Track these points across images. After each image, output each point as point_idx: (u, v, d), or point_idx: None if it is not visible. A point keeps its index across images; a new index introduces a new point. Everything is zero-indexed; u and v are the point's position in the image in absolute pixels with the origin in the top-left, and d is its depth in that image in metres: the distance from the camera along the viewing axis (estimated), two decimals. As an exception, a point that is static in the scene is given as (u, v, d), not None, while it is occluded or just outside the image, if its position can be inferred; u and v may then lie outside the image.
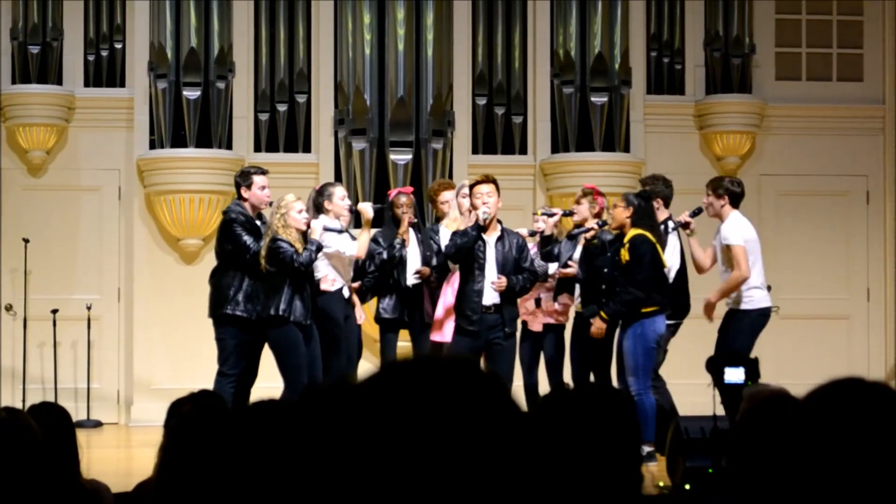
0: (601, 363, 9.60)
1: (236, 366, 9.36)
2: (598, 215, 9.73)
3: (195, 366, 11.36)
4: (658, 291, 9.14)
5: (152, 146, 12.21)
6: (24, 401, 11.49)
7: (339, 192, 9.69)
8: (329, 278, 9.44)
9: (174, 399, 4.54)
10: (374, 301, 10.09)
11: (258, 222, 9.51)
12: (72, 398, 11.92)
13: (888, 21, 13.39)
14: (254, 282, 9.34)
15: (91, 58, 12.50)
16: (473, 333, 9.10)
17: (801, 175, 13.20)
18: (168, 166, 12.10)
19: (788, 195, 13.16)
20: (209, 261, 10.25)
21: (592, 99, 12.48)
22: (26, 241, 12.01)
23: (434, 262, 9.75)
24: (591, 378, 9.63)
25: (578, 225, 9.81)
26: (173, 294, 12.16)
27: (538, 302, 9.85)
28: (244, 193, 9.56)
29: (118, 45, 12.49)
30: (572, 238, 9.89)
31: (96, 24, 12.47)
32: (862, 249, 13.30)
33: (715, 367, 6.98)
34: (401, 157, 12.11)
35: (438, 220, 10.14)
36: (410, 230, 9.92)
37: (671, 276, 9.66)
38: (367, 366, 10.71)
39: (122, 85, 12.47)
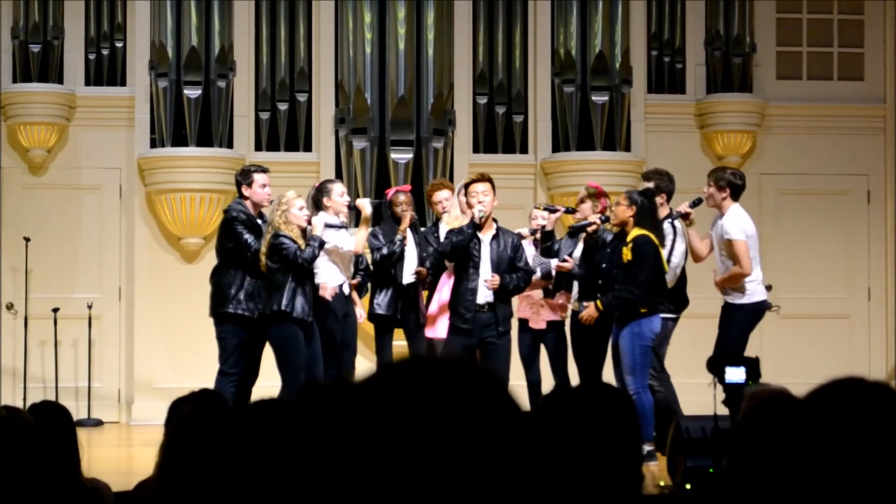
0: (594, 361, 9.62)
1: (237, 365, 9.36)
2: (601, 213, 9.74)
3: (196, 365, 11.36)
4: (657, 293, 9.15)
5: (153, 145, 12.21)
6: (24, 399, 11.49)
7: (338, 188, 9.70)
8: (329, 287, 9.42)
9: (175, 398, 4.54)
10: (366, 300, 10.12)
11: (259, 221, 9.51)
12: (72, 397, 11.92)
13: (889, 20, 13.38)
14: (255, 280, 9.34)
15: (92, 56, 12.50)
16: (467, 332, 9.12)
17: (802, 174, 13.20)
18: (169, 165, 12.10)
19: (789, 194, 13.16)
20: (210, 260, 10.25)
21: (593, 98, 12.48)
22: (27, 239, 12.01)
23: (427, 263, 9.78)
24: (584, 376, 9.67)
25: (577, 223, 9.82)
26: (174, 293, 12.17)
27: (547, 292, 9.84)
28: (245, 192, 9.56)
29: (119, 44, 12.49)
30: (573, 235, 9.89)
31: (97, 22, 12.47)
32: (863, 249, 13.30)
33: (716, 366, 6.98)
34: (401, 157, 12.11)
35: (437, 219, 10.15)
36: (408, 229, 9.94)
37: (677, 272, 9.69)
38: (364, 365, 10.72)
39: (123, 84, 12.47)
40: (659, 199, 9.71)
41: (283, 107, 12.52)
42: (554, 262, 9.79)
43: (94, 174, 12.44)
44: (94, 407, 12.13)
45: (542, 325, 9.89)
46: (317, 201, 9.57)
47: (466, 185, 9.44)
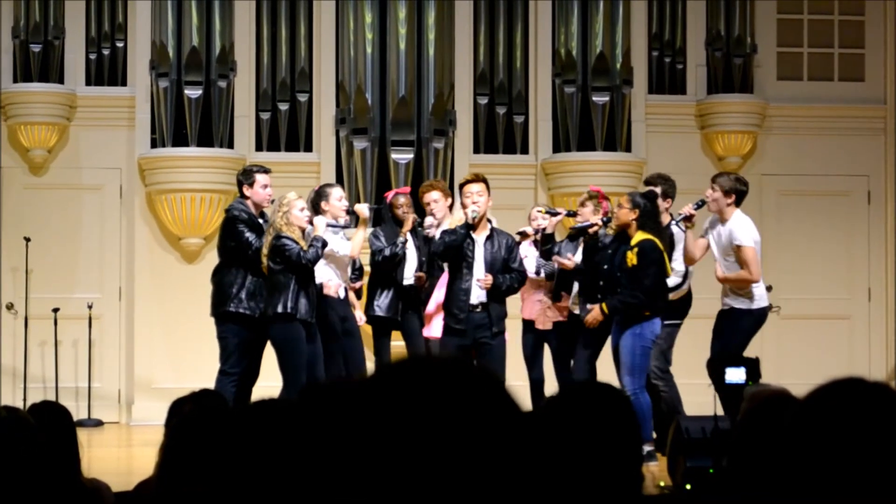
0: (589, 357, 9.65)
1: (238, 364, 9.36)
2: (603, 215, 9.73)
3: (196, 365, 11.37)
4: (661, 297, 9.18)
5: (154, 145, 12.21)
6: (24, 400, 11.49)
7: (336, 192, 9.70)
8: (332, 284, 9.44)
9: (175, 398, 4.54)
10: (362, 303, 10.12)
11: (260, 221, 9.52)
12: (73, 397, 11.92)
13: (890, 21, 13.38)
14: (256, 279, 9.35)
15: (93, 56, 12.50)
16: (460, 332, 9.12)
17: (803, 175, 13.20)
18: (169, 165, 12.10)
19: (790, 195, 13.16)
20: (210, 260, 10.25)
21: (594, 98, 12.48)
22: (27, 239, 12.01)
23: (423, 267, 9.81)
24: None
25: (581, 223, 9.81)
26: (174, 293, 12.17)
27: (557, 295, 9.84)
28: (246, 192, 9.57)
29: (120, 44, 12.49)
30: (574, 238, 9.90)
31: (98, 22, 12.47)
32: (863, 249, 13.30)
33: (715, 367, 6.98)
34: (402, 157, 12.11)
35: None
36: (409, 233, 9.94)
37: (682, 277, 9.71)
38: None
39: (124, 84, 12.47)
40: (665, 204, 9.73)
41: (283, 107, 12.52)
42: (556, 257, 9.77)
43: (95, 174, 12.44)
44: (95, 407, 12.13)
45: (549, 326, 9.91)
46: (315, 205, 9.56)
47: (460, 186, 9.45)
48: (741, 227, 9.59)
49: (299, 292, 9.07)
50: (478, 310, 9.19)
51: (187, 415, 3.45)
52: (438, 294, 9.53)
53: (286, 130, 12.52)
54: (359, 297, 10.05)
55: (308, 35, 12.53)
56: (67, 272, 12.37)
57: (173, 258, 12.35)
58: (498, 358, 9.13)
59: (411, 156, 12.13)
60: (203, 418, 3.09)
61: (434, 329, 9.47)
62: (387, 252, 9.77)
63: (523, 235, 9.91)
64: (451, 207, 10.03)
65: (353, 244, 9.55)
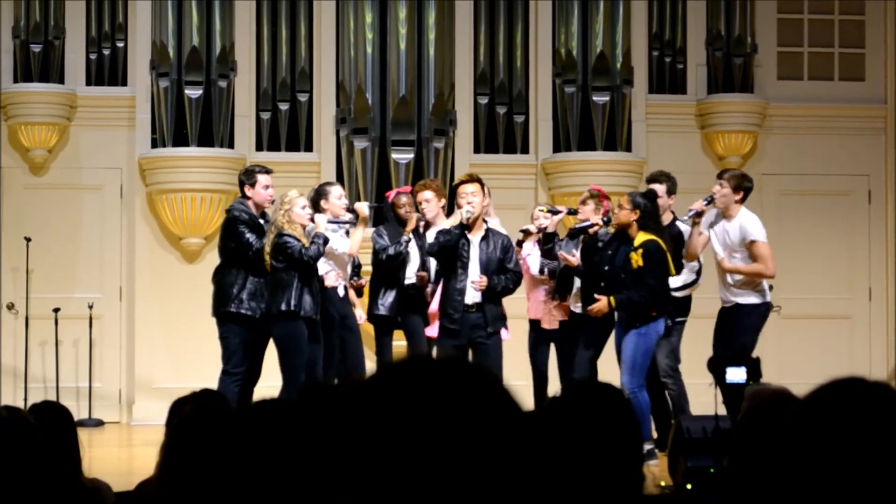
0: (591, 357, 9.65)
1: (240, 364, 9.37)
2: (604, 214, 9.73)
3: (197, 365, 11.37)
4: (665, 297, 9.19)
5: (154, 145, 12.21)
6: (25, 399, 11.48)
7: (336, 191, 9.70)
8: (332, 275, 9.45)
9: (176, 398, 4.54)
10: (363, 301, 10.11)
11: (261, 221, 9.52)
12: (73, 397, 11.92)
13: (890, 21, 13.38)
14: (257, 280, 9.35)
15: (93, 56, 12.50)
16: (455, 332, 9.12)
17: (803, 175, 13.19)
18: (170, 165, 12.10)
19: (790, 195, 13.15)
20: (211, 260, 10.25)
21: (594, 98, 12.48)
22: (28, 239, 12.01)
23: (425, 266, 9.80)
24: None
25: (580, 223, 9.80)
26: (175, 293, 12.17)
27: (562, 296, 9.83)
28: (247, 192, 9.57)
29: (120, 44, 12.49)
30: (574, 236, 9.88)
31: (98, 22, 12.47)
32: (864, 249, 13.30)
33: (716, 366, 6.98)
34: (402, 157, 12.11)
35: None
36: (412, 232, 9.93)
37: (696, 273, 9.72)
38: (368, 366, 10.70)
39: (124, 83, 12.47)
40: (670, 200, 9.76)
41: (284, 107, 12.52)
42: (560, 253, 9.75)
43: (95, 174, 12.44)
44: (95, 407, 12.13)
45: (555, 325, 9.91)
46: (315, 203, 9.56)
47: (455, 186, 9.45)
48: (752, 222, 9.62)
49: (303, 290, 9.08)
50: (473, 310, 9.18)
51: (188, 415, 3.45)
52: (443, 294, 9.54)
53: (286, 130, 12.52)
54: (360, 295, 10.04)
55: (308, 35, 12.53)
56: (68, 272, 12.37)
57: (174, 258, 12.35)
58: (494, 358, 9.11)
59: (412, 156, 12.13)
60: (204, 418, 3.09)
61: (436, 328, 9.47)
62: (391, 251, 9.75)
63: (526, 234, 9.90)
64: (444, 208, 10.03)
65: (352, 242, 9.55)
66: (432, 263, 9.73)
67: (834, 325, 13.15)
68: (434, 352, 9.16)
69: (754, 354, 8.41)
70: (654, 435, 9.41)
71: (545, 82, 12.69)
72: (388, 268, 9.80)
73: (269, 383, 9.03)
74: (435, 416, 1.64)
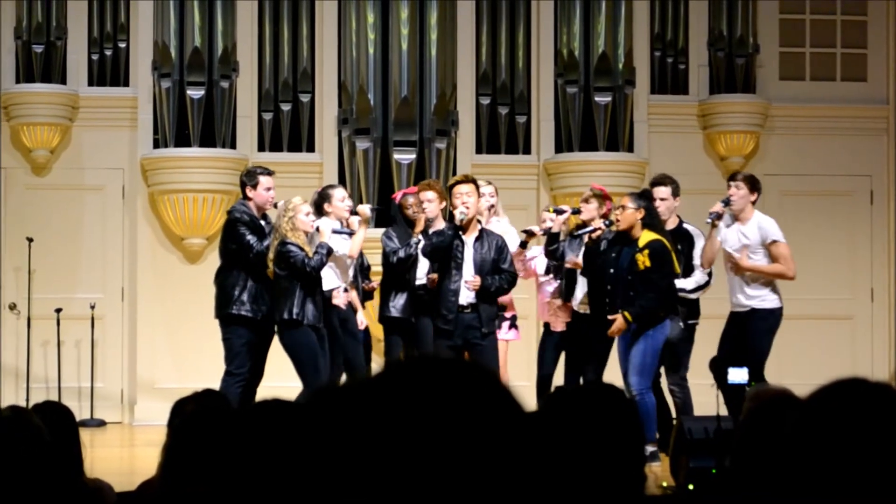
0: (597, 363, 9.61)
1: (243, 365, 9.37)
2: (604, 216, 9.71)
3: (198, 365, 11.37)
4: (673, 298, 9.19)
5: (156, 145, 12.22)
6: (27, 400, 11.48)
7: (339, 193, 9.68)
8: (341, 295, 9.41)
9: (178, 398, 4.54)
10: (371, 301, 10.08)
11: (262, 222, 9.51)
12: (75, 397, 11.92)
13: (892, 21, 13.37)
14: (258, 281, 9.34)
15: (95, 57, 12.50)
16: (449, 333, 9.11)
17: (805, 175, 13.19)
18: (172, 165, 12.10)
19: (792, 195, 13.14)
20: (213, 260, 10.25)
21: (596, 99, 12.47)
22: (30, 240, 12.02)
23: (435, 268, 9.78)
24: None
25: (583, 224, 9.77)
26: (177, 293, 12.17)
27: (566, 296, 9.81)
28: (249, 193, 9.56)
29: (122, 45, 12.49)
30: (575, 237, 9.86)
31: (100, 23, 12.47)
32: (866, 250, 13.29)
33: (718, 367, 6.98)
34: (404, 157, 12.11)
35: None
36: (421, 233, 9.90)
37: (709, 274, 9.71)
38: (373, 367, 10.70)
39: (126, 84, 12.47)
40: (675, 203, 9.75)
41: (286, 107, 12.52)
42: (569, 257, 9.72)
43: (97, 174, 12.44)
44: (97, 407, 12.14)
45: (563, 327, 9.89)
46: (318, 207, 9.54)
47: (450, 187, 9.44)
48: (771, 223, 9.65)
49: (305, 298, 9.07)
50: (467, 311, 9.17)
51: (190, 415, 3.45)
52: None
53: (288, 131, 12.52)
54: (371, 297, 10.00)
55: (310, 35, 12.53)
56: (70, 272, 12.38)
57: (176, 258, 12.35)
58: (490, 358, 9.08)
59: (414, 156, 12.12)
60: (205, 419, 3.10)
61: None
62: (401, 254, 9.64)
63: (529, 234, 9.88)
64: (444, 210, 10.01)
65: (353, 244, 9.50)
66: None
67: (836, 326, 13.14)
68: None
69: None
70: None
71: (547, 83, 12.69)
72: (398, 270, 9.73)
73: (272, 384, 9.03)
74: (436, 418, 1.64)
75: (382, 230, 10.07)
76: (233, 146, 12.25)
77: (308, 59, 12.51)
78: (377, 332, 10.19)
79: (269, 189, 9.55)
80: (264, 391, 8.94)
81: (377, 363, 10.25)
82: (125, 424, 12.24)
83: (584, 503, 2.62)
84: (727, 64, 12.98)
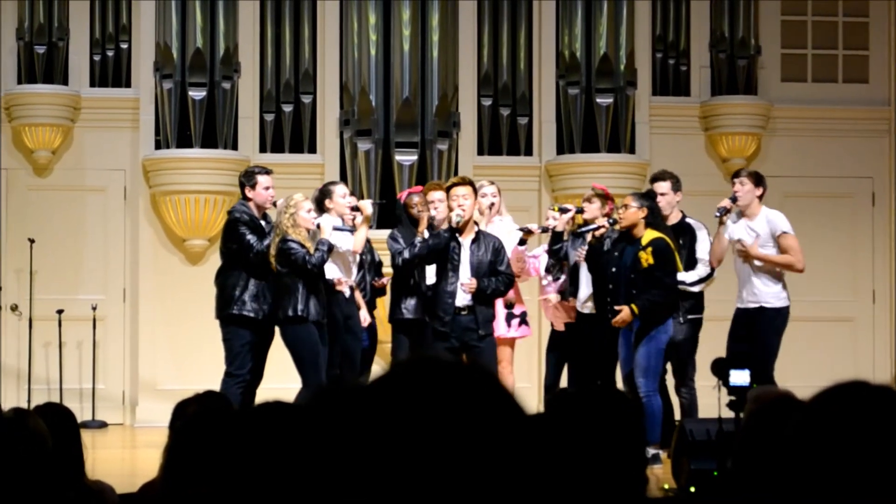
0: (606, 366, 9.57)
1: (244, 366, 9.36)
2: (607, 215, 9.70)
3: (200, 366, 11.37)
4: (677, 296, 9.20)
5: (158, 146, 12.22)
6: (29, 401, 11.48)
7: (340, 189, 9.66)
8: (343, 281, 9.40)
9: (179, 400, 4.54)
10: (378, 302, 10.06)
11: (263, 222, 9.51)
12: (77, 399, 11.93)
13: (894, 23, 13.37)
14: (259, 282, 9.33)
15: (97, 58, 12.50)
16: (445, 335, 9.11)
17: (807, 177, 13.18)
18: (173, 166, 12.11)
19: (793, 197, 13.13)
20: (214, 261, 10.25)
21: (598, 100, 12.48)
22: (31, 241, 12.02)
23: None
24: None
25: (585, 223, 9.74)
26: (178, 294, 12.17)
27: (564, 295, 9.80)
28: (248, 193, 9.56)
29: (124, 46, 12.49)
30: (578, 236, 9.84)
31: (102, 24, 12.47)
32: (867, 251, 13.29)
33: (720, 369, 6.98)
34: (406, 158, 12.11)
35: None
36: (425, 231, 9.87)
37: (711, 268, 9.71)
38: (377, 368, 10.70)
39: (128, 85, 12.48)
40: (677, 198, 9.76)
41: (287, 108, 12.52)
42: (573, 255, 9.70)
43: (99, 175, 12.45)
44: (99, 409, 12.14)
45: (563, 328, 9.89)
46: (319, 203, 9.53)
47: (447, 189, 9.43)
48: (779, 216, 9.66)
49: (308, 294, 9.06)
50: (464, 313, 9.16)
51: (191, 416, 3.45)
52: None
53: (290, 132, 12.52)
54: (383, 293, 9.97)
55: (312, 36, 12.53)
56: (71, 273, 12.38)
57: (177, 259, 12.35)
58: (488, 361, 9.04)
59: (415, 157, 12.13)
60: (207, 420, 3.10)
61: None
62: (406, 255, 9.56)
63: (527, 232, 9.85)
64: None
65: (356, 240, 9.45)
66: None
67: (837, 328, 13.14)
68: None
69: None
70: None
71: (549, 84, 12.69)
72: (405, 272, 9.66)
73: (272, 385, 9.02)
74: (438, 419, 1.64)
75: (388, 232, 10.04)
76: (234, 147, 12.26)
77: (310, 60, 12.52)
78: (384, 335, 10.13)
79: (267, 188, 9.54)
80: (265, 392, 8.94)
81: (379, 366, 10.22)
82: (126, 426, 12.24)
83: (586, 505, 2.62)
84: (729, 65, 12.98)
